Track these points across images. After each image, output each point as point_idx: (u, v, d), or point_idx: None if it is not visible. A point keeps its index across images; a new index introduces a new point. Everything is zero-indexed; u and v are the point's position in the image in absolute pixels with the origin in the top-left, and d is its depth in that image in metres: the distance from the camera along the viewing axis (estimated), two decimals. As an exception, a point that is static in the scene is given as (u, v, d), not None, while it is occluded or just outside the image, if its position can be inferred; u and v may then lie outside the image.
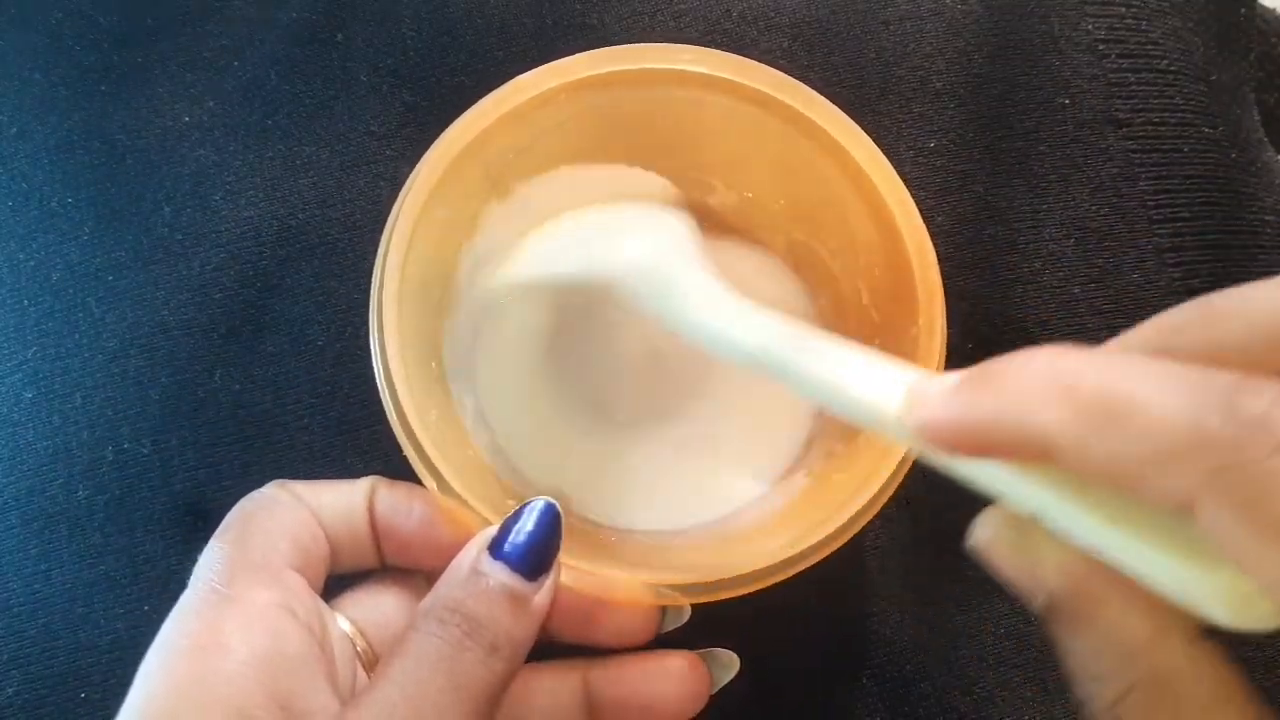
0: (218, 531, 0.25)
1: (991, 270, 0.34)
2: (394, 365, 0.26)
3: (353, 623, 0.26)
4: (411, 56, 0.36)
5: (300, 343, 0.33)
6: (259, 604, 0.23)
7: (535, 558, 0.24)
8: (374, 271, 0.27)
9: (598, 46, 0.35)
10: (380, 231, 0.34)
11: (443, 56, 0.36)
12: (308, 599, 0.24)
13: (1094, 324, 0.34)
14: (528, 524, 0.24)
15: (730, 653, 0.28)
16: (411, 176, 0.28)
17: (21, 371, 0.33)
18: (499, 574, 0.23)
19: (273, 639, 0.22)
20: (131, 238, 0.34)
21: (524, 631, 0.23)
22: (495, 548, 0.24)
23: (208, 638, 0.22)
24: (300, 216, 0.34)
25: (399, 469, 0.32)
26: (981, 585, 0.32)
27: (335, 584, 0.27)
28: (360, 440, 0.32)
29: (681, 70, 0.29)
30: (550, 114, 0.29)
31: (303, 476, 0.32)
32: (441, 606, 0.23)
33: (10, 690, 0.31)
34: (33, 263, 0.34)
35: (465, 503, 0.25)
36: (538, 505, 0.24)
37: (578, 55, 0.28)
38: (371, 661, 0.26)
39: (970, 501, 0.33)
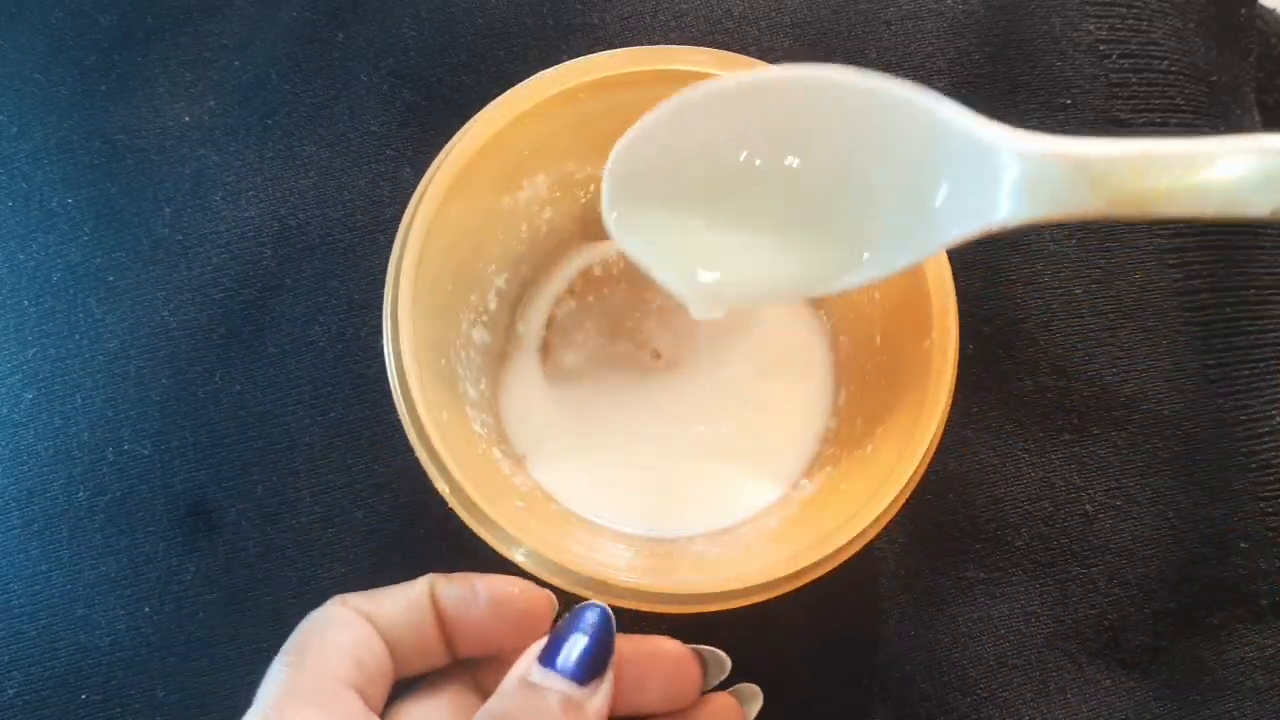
0: (280, 651, 0.25)
1: (993, 271, 0.34)
2: (408, 367, 0.26)
3: None
4: (412, 56, 0.36)
5: (301, 343, 0.33)
6: None
7: (587, 662, 0.23)
8: (389, 268, 0.27)
9: (598, 46, 0.35)
10: (382, 231, 0.34)
11: (443, 56, 0.36)
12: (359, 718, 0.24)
13: (1095, 325, 0.34)
14: (578, 632, 0.24)
15: (753, 686, 0.27)
16: (430, 172, 0.27)
17: (22, 372, 0.33)
18: (550, 683, 0.23)
19: None
20: (132, 238, 0.34)
21: None
22: (546, 657, 0.24)
23: None
24: (301, 216, 0.34)
25: (400, 469, 0.32)
26: (982, 585, 0.32)
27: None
28: (361, 440, 0.32)
29: (698, 72, 0.28)
30: (567, 112, 0.29)
31: (303, 476, 0.32)
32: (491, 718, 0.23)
33: (11, 691, 0.31)
34: (33, 263, 0.34)
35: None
36: (589, 614, 0.24)
37: (594, 55, 0.28)
38: None
39: (970, 503, 0.33)
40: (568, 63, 0.28)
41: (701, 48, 0.29)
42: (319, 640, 0.25)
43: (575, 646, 0.24)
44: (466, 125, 0.28)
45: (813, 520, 0.28)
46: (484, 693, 0.27)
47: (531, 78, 0.28)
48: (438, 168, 0.27)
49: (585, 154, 0.31)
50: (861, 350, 0.31)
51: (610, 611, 0.24)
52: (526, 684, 0.23)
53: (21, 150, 0.35)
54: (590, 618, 0.24)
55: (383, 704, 0.25)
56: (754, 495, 0.31)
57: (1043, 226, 0.35)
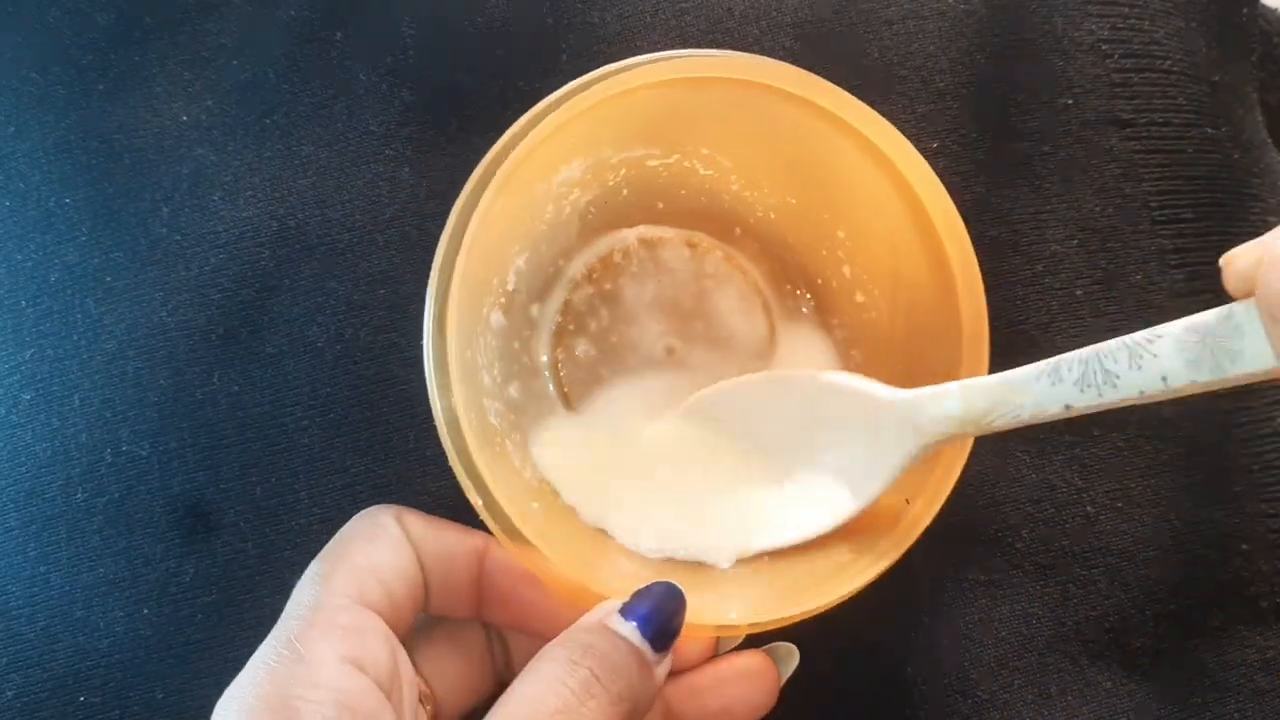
0: (318, 557, 0.25)
1: (994, 271, 0.34)
2: (454, 377, 0.25)
3: (417, 669, 0.26)
4: (411, 55, 0.36)
5: (299, 344, 0.33)
6: (328, 662, 0.22)
7: (661, 628, 0.24)
8: (431, 277, 0.26)
9: (598, 45, 0.35)
10: (381, 231, 0.34)
11: (442, 55, 0.36)
12: (378, 649, 0.24)
13: (1097, 326, 0.34)
14: (654, 599, 0.24)
15: (789, 645, 0.28)
16: (476, 171, 0.27)
17: (19, 373, 0.33)
18: (630, 633, 0.23)
19: (339, 698, 0.22)
20: (129, 238, 0.34)
21: (647, 693, 0.23)
22: (626, 612, 0.24)
23: (278, 700, 0.22)
24: (299, 216, 0.34)
25: (399, 470, 0.32)
26: (982, 587, 0.32)
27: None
28: (360, 441, 0.32)
29: (752, 82, 0.28)
30: (620, 107, 0.28)
31: (301, 478, 0.32)
32: (574, 644, 0.23)
33: (9, 694, 0.31)
34: (30, 263, 0.34)
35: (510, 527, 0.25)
36: (663, 584, 0.24)
37: (656, 56, 0.28)
38: (433, 714, 0.26)
39: (970, 505, 0.33)
40: (627, 61, 0.28)
41: (774, 61, 0.29)
42: (359, 553, 0.25)
43: (652, 615, 0.24)
44: (515, 131, 0.27)
45: (823, 552, 0.28)
46: (496, 650, 0.28)
47: (590, 78, 0.28)
48: (487, 172, 0.27)
49: (625, 141, 0.30)
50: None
51: (683, 592, 0.24)
52: (608, 628, 0.23)
53: (18, 150, 0.35)
54: (667, 594, 0.24)
55: (407, 633, 0.26)
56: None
57: (1045, 227, 0.35)
